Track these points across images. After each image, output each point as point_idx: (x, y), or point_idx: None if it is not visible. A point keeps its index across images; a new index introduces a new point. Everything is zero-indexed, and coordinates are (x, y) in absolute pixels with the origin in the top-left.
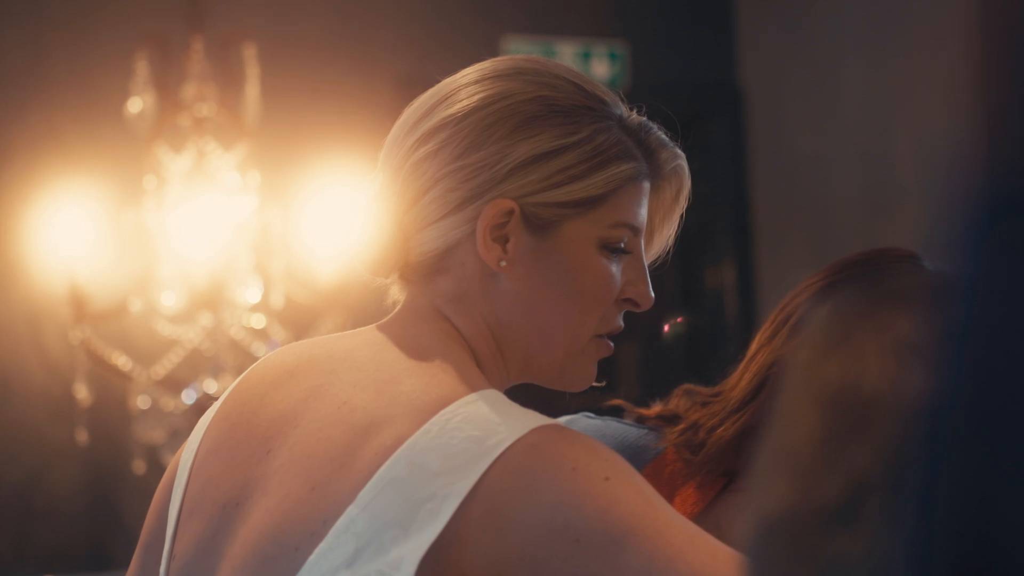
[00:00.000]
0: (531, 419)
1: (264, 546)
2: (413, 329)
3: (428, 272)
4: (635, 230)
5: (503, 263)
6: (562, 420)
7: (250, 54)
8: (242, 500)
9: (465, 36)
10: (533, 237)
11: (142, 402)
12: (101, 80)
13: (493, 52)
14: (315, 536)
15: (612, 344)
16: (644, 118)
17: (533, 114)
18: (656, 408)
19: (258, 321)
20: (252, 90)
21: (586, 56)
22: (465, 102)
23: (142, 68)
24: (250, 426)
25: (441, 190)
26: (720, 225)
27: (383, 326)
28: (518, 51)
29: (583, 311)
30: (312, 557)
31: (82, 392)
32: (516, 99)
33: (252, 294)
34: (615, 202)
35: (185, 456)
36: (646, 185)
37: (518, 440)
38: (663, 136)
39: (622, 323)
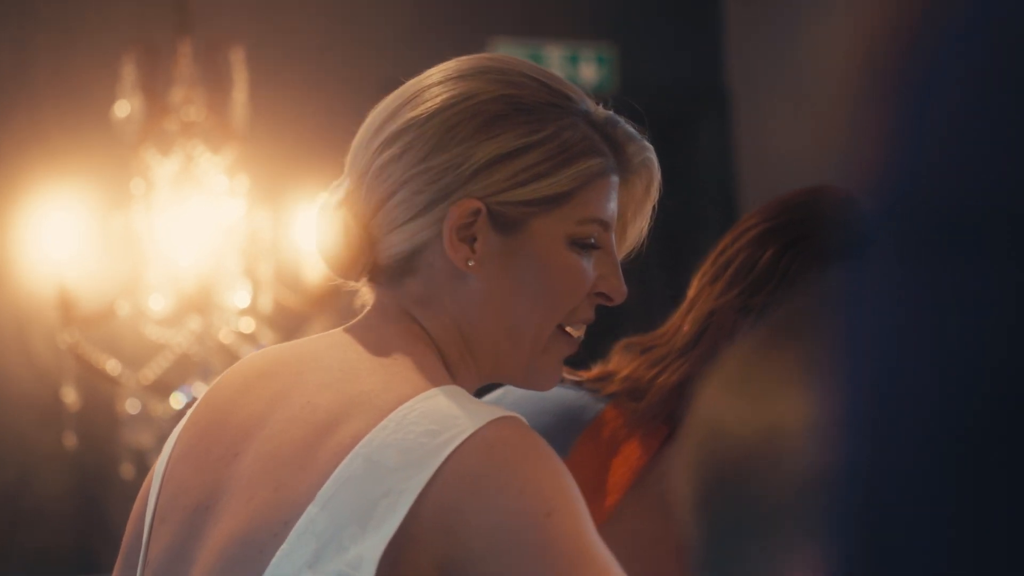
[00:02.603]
0: (488, 413)
1: (232, 549)
2: (380, 330)
3: (396, 274)
4: (605, 225)
5: (471, 263)
6: (497, 392)
7: (238, 58)
8: (211, 504)
9: (453, 40)
10: (501, 236)
11: (130, 406)
12: (88, 84)
13: None
14: (278, 537)
15: (577, 342)
16: (611, 112)
17: (497, 113)
18: (596, 370)
19: (247, 325)
20: (240, 94)
21: (574, 59)
22: (429, 104)
23: (129, 72)
24: (219, 430)
25: (407, 193)
26: (707, 226)
27: (351, 328)
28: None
29: (553, 308)
30: (275, 559)
31: (70, 396)
32: (480, 99)
33: (241, 298)
34: (583, 198)
35: (159, 463)
36: (614, 179)
37: (474, 434)
38: (630, 130)
39: (593, 315)
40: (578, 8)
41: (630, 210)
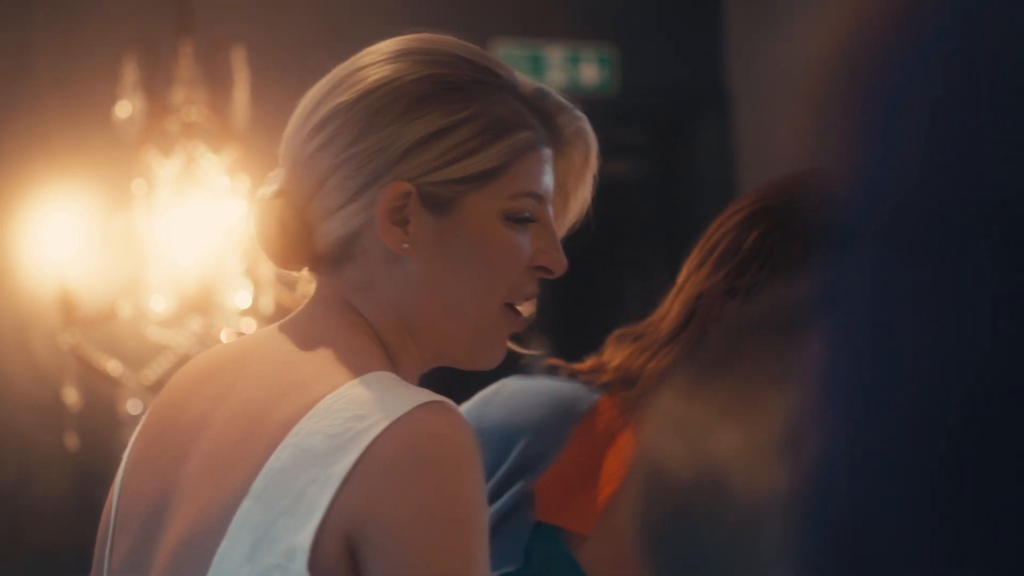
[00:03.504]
0: (416, 398)
1: (180, 552)
2: (317, 320)
3: (335, 262)
4: (539, 198)
5: (405, 246)
6: (493, 386)
7: (239, 58)
8: (163, 509)
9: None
10: (434, 217)
11: (131, 407)
12: (89, 84)
13: None
14: (219, 535)
15: (524, 320)
16: (541, 85)
17: (423, 93)
18: (590, 362)
19: (248, 325)
20: (241, 94)
21: (575, 60)
22: (355, 88)
23: (130, 72)
24: (169, 434)
25: (338, 179)
26: (707, 227)
27: (292, 319)
28: (508, 55)
29: (492, 285)
30: (216, 557)
31: (71, 397)
32: (404, 80)
33: (242, 298)
34: (514, 172)
35: (119, 471)
36: (547, 151)
37: (399, 419)
38: (561, 100)
39: (537, 289)
40: (579, 9)
41: (570, 181)
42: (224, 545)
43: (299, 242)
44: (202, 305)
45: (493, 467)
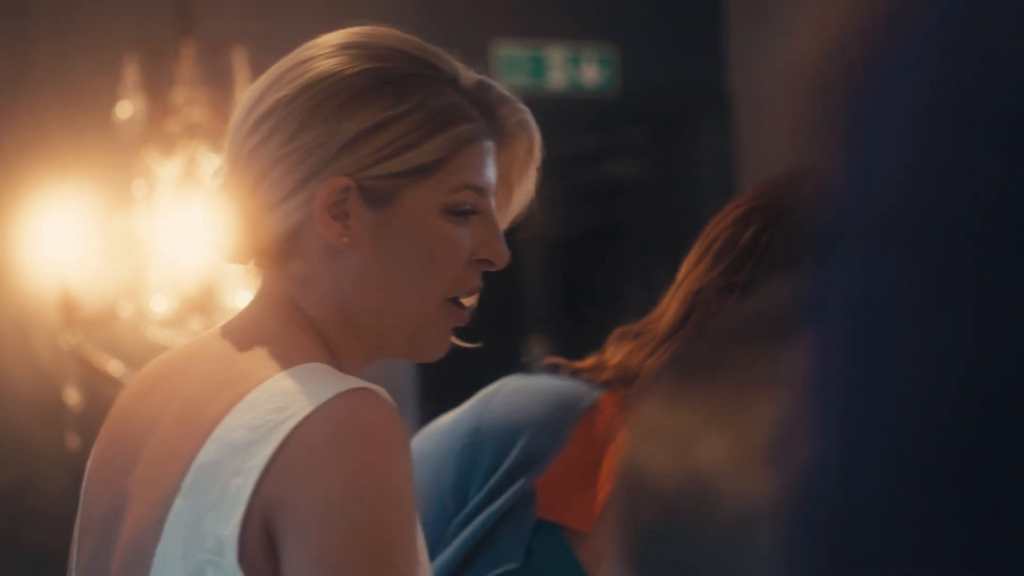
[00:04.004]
0: (339, 385)
1: (129, 555)
2: (258, 316)
3: (279, 256)
4: (480, 190)
5: (345, 240)
6: (493, 385)
7: (240, 59)
8: (118, 514)
9: (454, 40)
10: (373, 211)
11: None
12: (90, 85)
13: (483, 56)
14: (157, 535)
15: (466, 314)
16: (482, 77)
17: (361, 88)
18: (591, 360)
19: None
20: (242, 95)
21: (575, 60)
22: (294, 83)
23: (131, 73)
24: (123, 440)
25: (278, 173)
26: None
27: (235, 318)
28: (508, 55)
29: (432, 279)
30: (155, 558)
31: (72, 397)
32: (343, 75)
33: (243, 299)
34: (454, 165)
35: (84, 478)
36: (488, 144)
37: (320, 406)
38: (503, 92)
39: (480, 282)
40: (580, 9)
41: (515, 172)
42: (161, 544)
43: (243, 236)
44: (203, 306)
45: (494, 465)
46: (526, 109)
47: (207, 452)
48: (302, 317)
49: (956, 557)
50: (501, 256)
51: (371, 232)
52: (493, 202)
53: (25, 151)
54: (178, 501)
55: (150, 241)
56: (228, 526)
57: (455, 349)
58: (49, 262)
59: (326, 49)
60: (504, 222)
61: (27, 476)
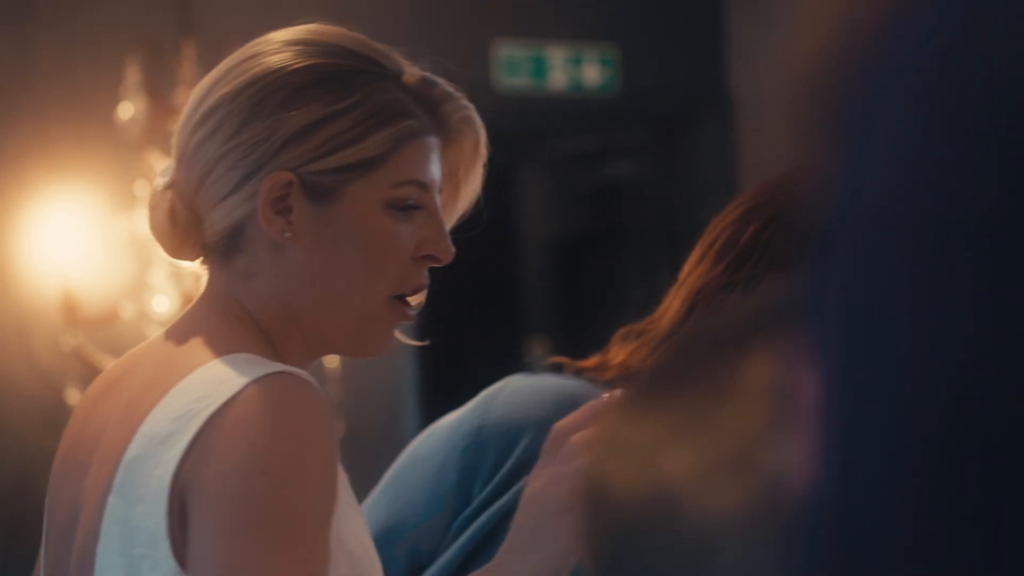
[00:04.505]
0: (259, 370)
1: (81, 559)
2: (198, 314)
3: (224, 252)
4: (423, 186)
5: (288, 235)
6: (497, 384)
7: None
8: (73, 520)
9: (456, 40)
10: (316, 206)
11: None
12: (92, 86)
13: (484, 56)
14: (97, 535)
15: (411, 311)
16: (427, 74)
17: (303, 84)
18: (594, 359)
19: None
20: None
21: (576, 60)
22: (238, 80)
23: (133, 73)
24: (78, 446)
25: (222, 169)
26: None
27: (181, 316)
28: (509, 56)
29: (374, 275)
30: (97, 557)
31: (73, 398)
32: (286, 71)
33: None
34: (397, 161)
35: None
36: (431, 140)
37: (239, 391)
38: (447, 89)
39: (426, 280)
40: (581, 10)
41: (461, 169)
42: (100, 544)
43: (189, 233)
44: None
45: (497, 464)
46: (470, 106)
47: (133, 448)
48: (243, 312)
49: (956, 557)
50: (446, 252)
51: (314, 227)
52: (438, 198)
53: (27, 151)
54: (111, 499)
55: (151, 241)
56: (155, 519)
57: (456, 349)
58: (51, 262)
59: (272, 46)
60: (451, 219)
61: (28, 476)
